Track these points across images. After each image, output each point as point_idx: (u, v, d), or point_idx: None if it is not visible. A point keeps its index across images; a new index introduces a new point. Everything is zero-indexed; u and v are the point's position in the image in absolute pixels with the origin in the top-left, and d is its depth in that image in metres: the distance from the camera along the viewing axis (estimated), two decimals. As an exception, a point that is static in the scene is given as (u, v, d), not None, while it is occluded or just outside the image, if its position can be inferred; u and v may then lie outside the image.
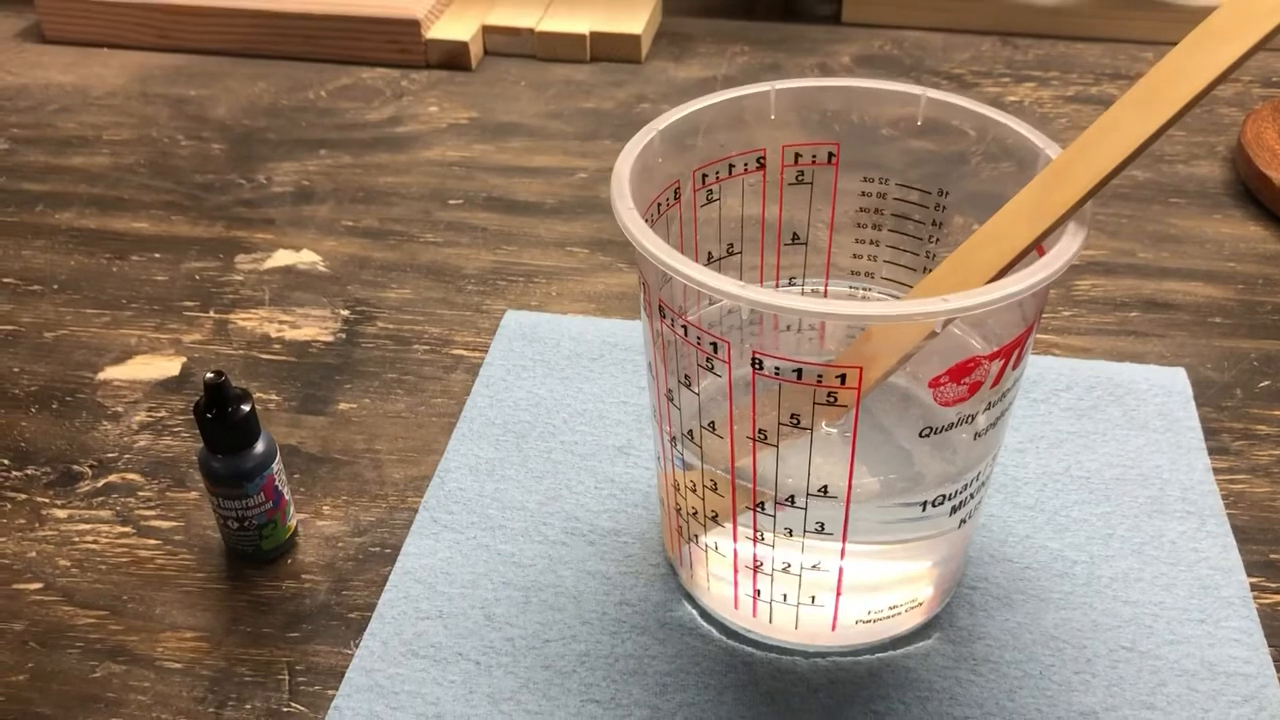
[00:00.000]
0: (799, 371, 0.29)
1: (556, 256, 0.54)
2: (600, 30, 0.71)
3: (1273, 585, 0.38)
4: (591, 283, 0.53)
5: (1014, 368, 0.31)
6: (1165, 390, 0.45)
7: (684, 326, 0.31)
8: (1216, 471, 0.42)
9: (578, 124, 0.65)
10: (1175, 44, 0.29)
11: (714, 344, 0.30)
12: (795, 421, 0.31)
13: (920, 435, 0.31)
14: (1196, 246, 0.54)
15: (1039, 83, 0.68)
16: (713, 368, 0.31)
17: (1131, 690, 0.35)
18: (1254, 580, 0.38)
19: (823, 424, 0.31)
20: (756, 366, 0.30)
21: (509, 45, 0.73)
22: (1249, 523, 0.40)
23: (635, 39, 0.71)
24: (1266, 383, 0.46)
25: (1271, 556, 0.39)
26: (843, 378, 0.29)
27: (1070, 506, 0.41)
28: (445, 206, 0.58)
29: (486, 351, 0.48)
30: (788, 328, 0.39)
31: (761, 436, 0.31)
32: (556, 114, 0.66)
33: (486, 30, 0.72)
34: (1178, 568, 0.39)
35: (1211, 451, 0.43)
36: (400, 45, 0.71)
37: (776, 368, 0.29)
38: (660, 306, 0.31)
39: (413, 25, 0.70)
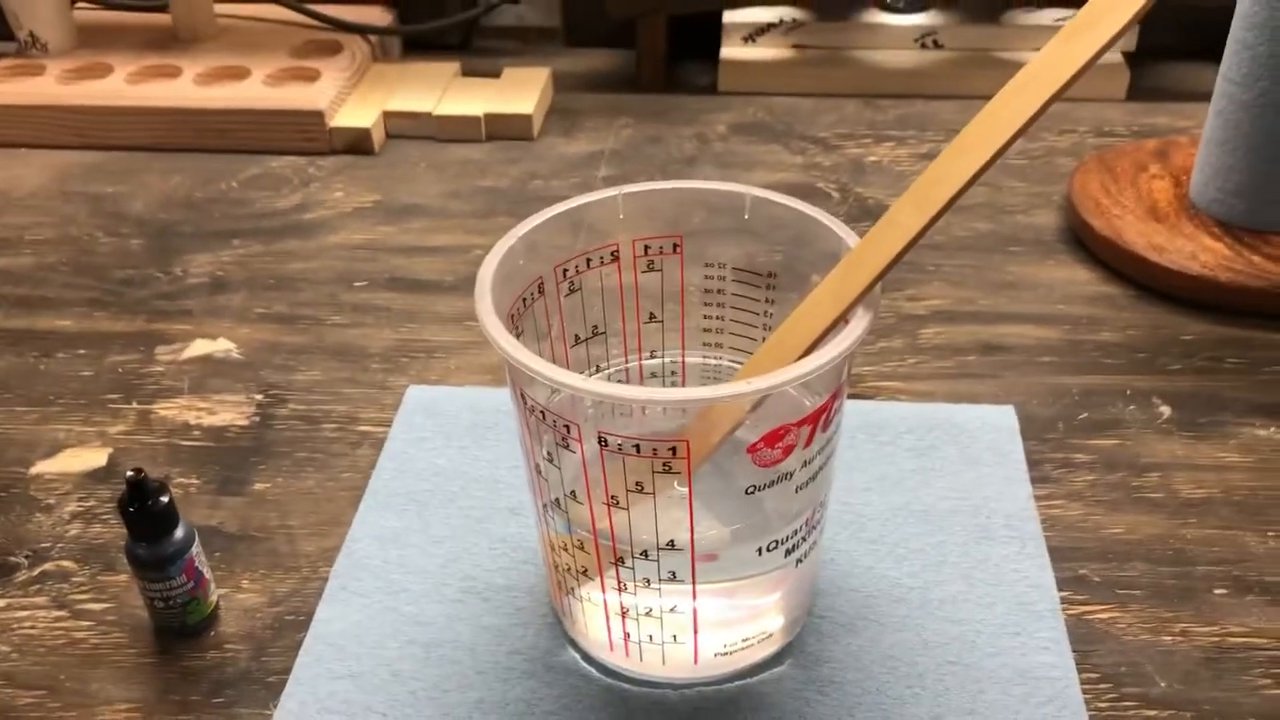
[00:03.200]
0: (638, 446, 0.34)
1: (455, 331, 0.59)
2: (494, 111, 0.77)
3: (1079, 597, 0.44)
4: (488, 355, 0.57)
5: (824, 430, 0.37)
6: (995, 427, 0.51)
7: (541, 412, 0.36)
8: (1038, 498, 0.48)
9: (475, 202, 0.70)
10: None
11: (566, 426, 0.35)
12: (640, 488, 0.36)
13: (746, 492, 0.36)
14: (1030, 291, 0.61)
15: (897, 141, 0.75)
16: (568, 445, 0.36)
17: (955, 699, 0.40)
18: (1064, 594, 0.44)
19: (675, 484, 0.36)
20: (602, 444, 0.35)
21: (410, 128, 0.78)
22: (1063, 543, 0.46)
23: (527, 118, 0.77)
24: (1085, 415, 0.52)
25: (1080, 572, 0.45)
26: (674, 450, 0.34)
27: (909, 538, 0.46)
28: (350, 289, 0.63)
29: (390, 426, 0.53)
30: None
31: (614, 501, 0.36)
32: (455, 193, 0.71)
33: (387, 115, 0.77)
34: (1000, 587, 0.44)
35: (1034, 480, 0.49)
36: (307, 134, 0.75)
37: (619, 444, 0.35)
38: (522, 394, 0.37)
39: (317, 115, 0.75)
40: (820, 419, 0.36)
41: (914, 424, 0.52)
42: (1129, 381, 0.54)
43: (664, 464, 0.35)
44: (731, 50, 0.83)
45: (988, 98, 0.34)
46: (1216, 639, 0.42)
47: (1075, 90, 0.70)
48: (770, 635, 0.41)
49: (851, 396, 0.54)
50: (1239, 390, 0.54)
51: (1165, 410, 0.52)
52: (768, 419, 0.36)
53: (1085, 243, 0.64)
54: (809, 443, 0.36)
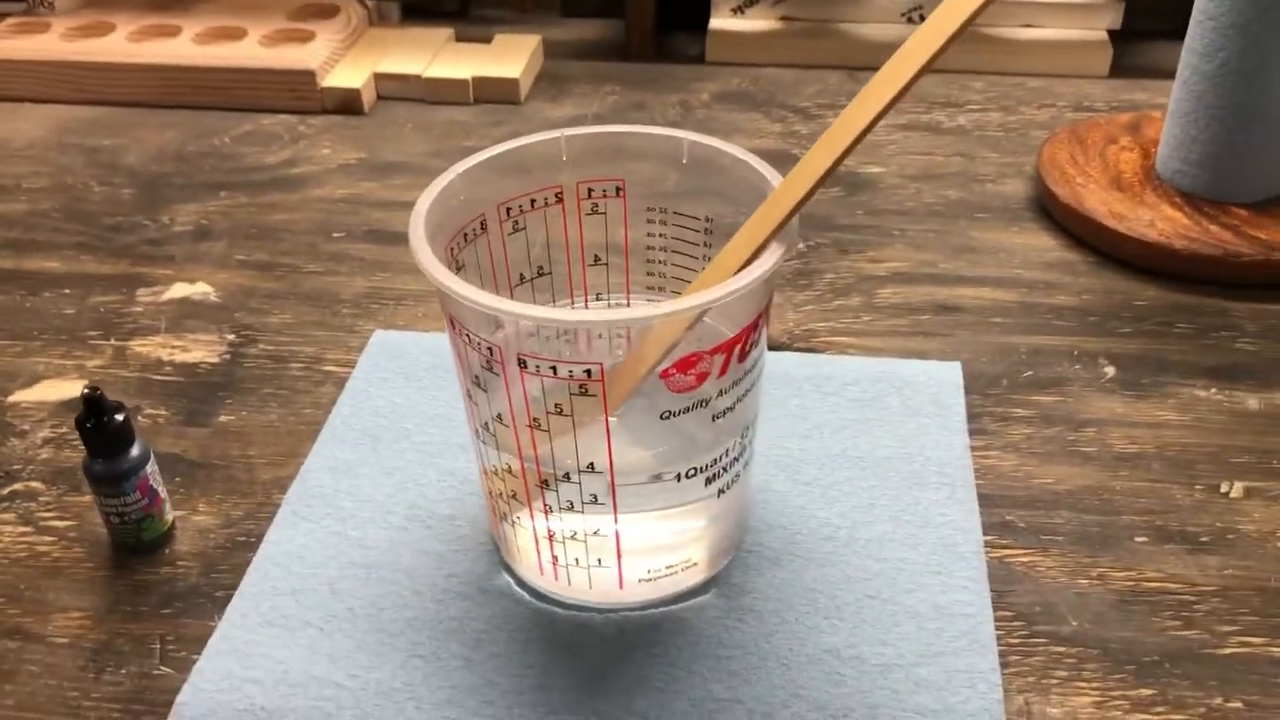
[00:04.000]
0: (554, 369, 0.36)
1: (425, 281, 0.60)
2: (481, 75, 0.78)
3: (1003, 541, 0.45)
4: (455, 304, 0.59)
5: (740, 362, 0.38)
6: (940, 381, 0.52)
7: (467, 335, 0.37)
8: (974, 449, 0.49)
9: (457, 161, 0.72)
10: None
11: (490, 349, 0.37)
12: (559, 409, 0.37)
13: (662, 417, 0.38)
14: (990, 256, 0.62)
15: (876, 112, 0.76)
16: (492, 369, 0.37)
17: (871, 631, 0.42)
18: (989, 538, 0.45)
19: (596, 408, 0.38)
20: (522, 366, 0.36)
21: (399, 90, 0.79)
22: (993, 491, 0.47)
23: (514, 82, 0.78)
24: (1030, 373, 0.53)
25: (1007, 518, 0.46)
26: (589, 372, 0.36)
27: (842, 481, 0.47)
28: (329, 239, 0.65)
29: (354, 367, 0.54)
30: (600, 336, 0.45)
31: (536, 424, 0.38)
32: (438, 153, 0.73)
33: (378, 77, 0.79)
34: (926, 530, 0.45)
35: (972, 433, 0.50)
36: (298, 94, 0.77)
37: (537, 366, 0.36)
38: (451, 319, 0.38)
39: (309, 75, 0.77)
40: (735, 349, 0.37)
41: (860, 376, 0.53)
42: (1078, 343, 0.55)
43: (580, 386, 0.36)
44: (720, 21, 0.84)
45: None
46: (1132, 583, 0.43)
47: (1059, 66, 0.74)
48: (695, 564, 0.42)
49: (803, 350, 0.55)
50: (1185, 353, 0.54)
51: (1110, 370, 0.53)
52: (684, 347, 0.38)
53: (1050, 211, 0.64)
54: (723, 372, 0.37)
